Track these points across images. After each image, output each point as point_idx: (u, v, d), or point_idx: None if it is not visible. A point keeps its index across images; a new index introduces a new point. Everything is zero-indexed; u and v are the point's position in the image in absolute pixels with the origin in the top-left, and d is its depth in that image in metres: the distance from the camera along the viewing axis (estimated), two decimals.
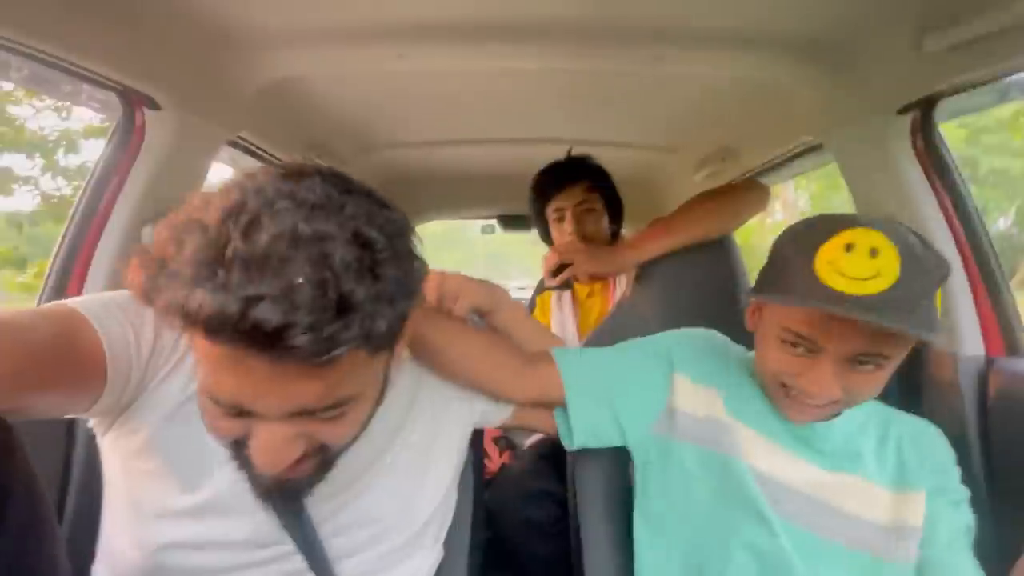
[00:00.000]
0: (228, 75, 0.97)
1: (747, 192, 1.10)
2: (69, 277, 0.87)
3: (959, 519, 0.65)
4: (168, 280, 0.36)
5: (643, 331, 0.82)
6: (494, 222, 2.41)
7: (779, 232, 0.64)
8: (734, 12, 0.83)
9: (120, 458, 0.53)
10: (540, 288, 1.48)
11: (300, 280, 0.35)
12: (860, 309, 0.50)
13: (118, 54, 0.78)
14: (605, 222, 1.28)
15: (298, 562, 0.56)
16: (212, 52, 0.91)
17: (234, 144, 1.19)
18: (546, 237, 1.36)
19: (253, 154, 1.29)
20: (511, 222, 2.35)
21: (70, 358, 0.43)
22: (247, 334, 0.35)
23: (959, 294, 0.90)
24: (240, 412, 0.42)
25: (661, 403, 0.72)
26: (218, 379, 0.40)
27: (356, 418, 0.47)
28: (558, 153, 1.55)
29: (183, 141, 0.94)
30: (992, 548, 0.75)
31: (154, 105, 0.89)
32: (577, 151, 1.32)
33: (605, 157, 1.33)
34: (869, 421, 0.70)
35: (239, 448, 0.45)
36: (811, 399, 0.59)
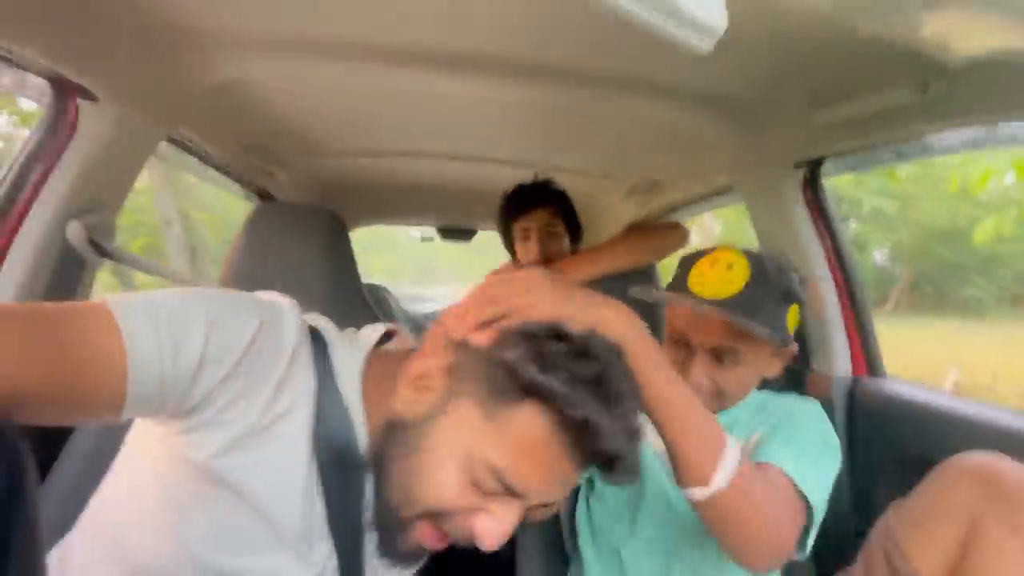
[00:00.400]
0: (173, 72, 0.94)
1: (670, 234, 1.29)
2: None
3: (784, 448, 0.71)
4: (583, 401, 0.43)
5: None
6: (433, 231, 2.45)
7: None
8: (663, 67, 0.94)
9: (168, 451, 0.46)
10: None
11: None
12: (707, 305, 0.66)
13: (53, 41, 0.74)
14: (566, 243, 1.41)
15: None
16: (157, 48, 0.88)
17: (171, 140, 1.14)
18: (510, 248, 1.50)
19: (189, 150, 1.25)
20: (451, 233, 2.39)
21: (80, 368, 0.38)
22: (602, 458, 0.46)
23: (834, 322, 1.07)
24: (488, 489, 0.46)
25: None
26: (527, 469, 0.45)
27: None
28: (499, 171, 1.63)
29: (120, 135, 0.91)
30: (852, 536, 0.90)
31: (90, 96, 0.85)
32: (515, 171, 1.43)
33: (545, 176, 1.42)
34: (749, 409, 0.79)
35: (409, 521, 0.48)
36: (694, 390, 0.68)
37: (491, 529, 0.46)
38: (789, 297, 0.71)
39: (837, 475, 0.80)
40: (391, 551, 0.51)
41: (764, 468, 0.62)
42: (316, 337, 0.53)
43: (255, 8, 0.82)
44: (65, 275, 0.90)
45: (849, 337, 1.09)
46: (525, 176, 1.57)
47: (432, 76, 1.01)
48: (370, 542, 0.54)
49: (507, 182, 1.76)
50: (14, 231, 0.83)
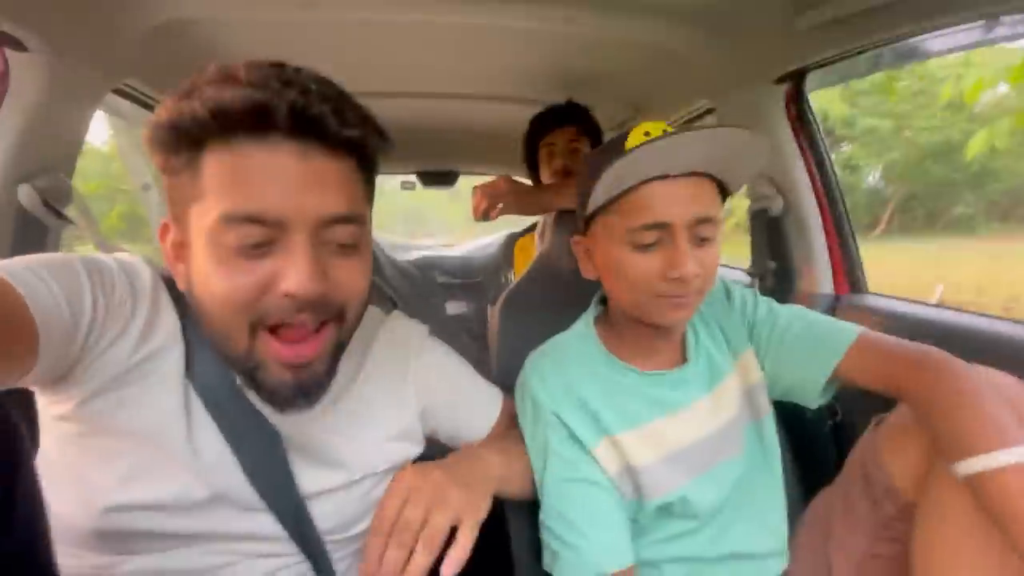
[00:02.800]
0: (110, 15, 0.87)
1: None
2: None
3: (784, 318, 0.72)
4: (203, 93, 0.42)
5: (563, 280, 0.88)
6: (413, 178, 2.38)
7: None
8: None
9: (52, 423, 0.50)
10: (515, 236, 1.82)
11: (313, 86, 0.44)
12: (694, 135, 0.55)
13: None
14: None
15: (271, 524, 0.55)
16: None
17: (122, 93, 1.07)
18: (532, 169, 1.47)
19: (142, 103, 1.17)
20: (431, 178, 2.32)
21: (2, 318, 0.40)
22: (288, 120, 0.43)
23: (817, 241, 1.06)
24: (262, 242, 0.44)
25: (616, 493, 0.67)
26: (252, 192, 0.44)
27: (363, 266, 0.51)
28: (474, 108, 1.56)
29: (58, 89, 0.85)
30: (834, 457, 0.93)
31: (19, 46, 0.79)
32: (495, 106, 1.38)
33: (525, 112, 1.36)
34: (692, 331, 0.73)
35: (251, 351, 0.48)
36: (684, 282, 0.59)
37: (293, 278, 0.44)
38: None
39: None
40: (271, 394, 0.50)
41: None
42: (172, 283, 0.54)
43: None
44: (26, 241, 0.87)
45: (832, 257, 1.08)
46: (503, 111, 1.51)
47: (399, 4, 0.94)
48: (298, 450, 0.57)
49: (484, 118, 1.69)
50: None
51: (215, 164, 0.44)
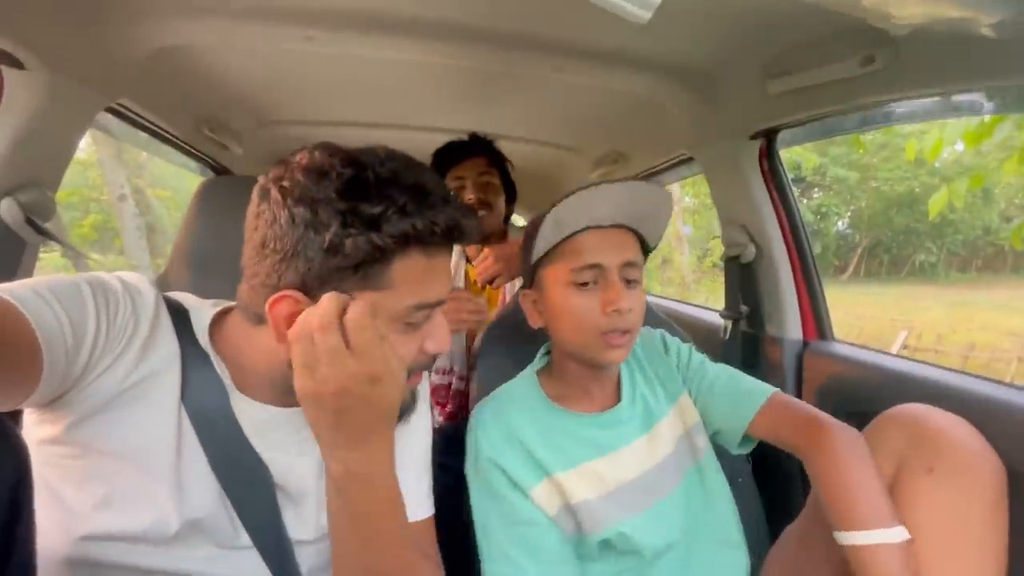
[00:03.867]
0: (109, 38, 0.89)
1: None
2: None
3: (712, 371, 0.81)
4: (391, 214, 0.47)
5: (523, 336, 0.89)
6: None
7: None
8: (622, 36, 0.94)
9: (32, 443, 0.49)
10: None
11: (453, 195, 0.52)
12: (620, 187, 0.66)
13: None
14: (502, 196, 1.35)
15: (255, 565, 0.55)
16: (91, 12, 0.82)
17: (114, 112, 1.08)
18: None
19: (136, 124, 1.18)
20: None
21: (1, 349, 0.40)
22: (460, 235, 0.52)
23: (786, 288, 1.12)
24: (421, 319, 0.54)
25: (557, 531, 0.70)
26: (434, 284, 0.53)
27: None
28: None
29: (52, 106, 0.85)
30: (802, 495, 0.95)
31: (16, 64, 0.79)
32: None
33: (509, 148, 1.40)
34: (628, 377, 0.80)
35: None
36: (620, 318, 0.68)
37: (441, 339, 0.56)
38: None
39: None
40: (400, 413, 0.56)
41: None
42: (177, 309, 0.57)
43: None
44: (5, 255, 0.86)
45: (800, 303, 1.13)
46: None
47: (387, 41, 0.98)
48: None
49: None
50: None
51: (410, 265, 0.50)
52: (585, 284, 0.69)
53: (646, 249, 0.77)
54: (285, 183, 0.48)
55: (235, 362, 0.56)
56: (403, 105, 1.40)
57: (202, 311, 0.58)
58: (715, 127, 1.13)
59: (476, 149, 1.32)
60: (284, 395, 0.56)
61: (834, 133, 1.13)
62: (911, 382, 0.87)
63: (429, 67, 1.11)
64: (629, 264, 0.70)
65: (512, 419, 0.74)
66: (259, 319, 0.52)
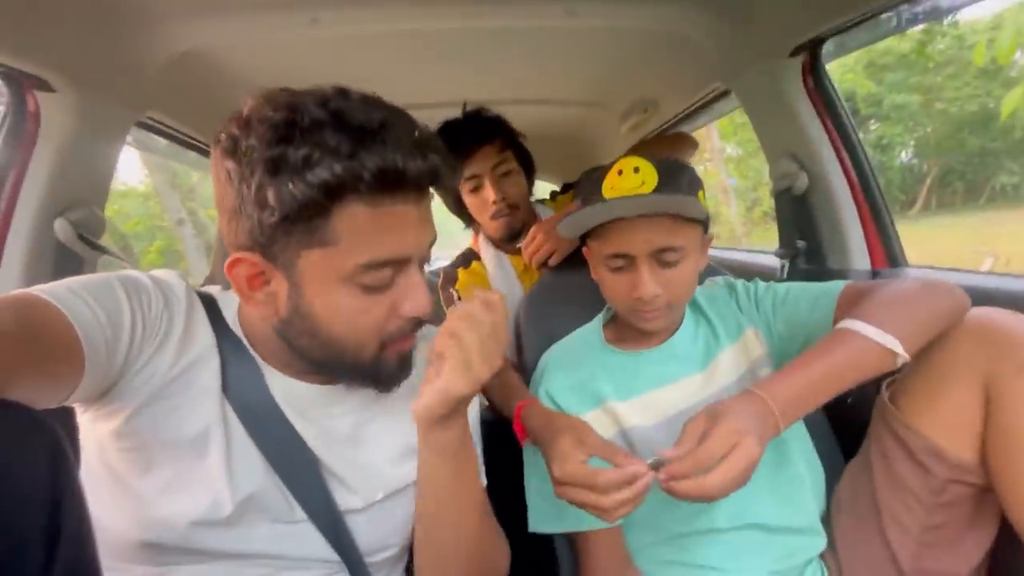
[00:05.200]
0: (128, 50, 0.91)
1: (676, 145, 1.19)
2: None
3: (783, 286, 0.77)
4: (318, 158, 0.42)
5: (568, 295, 0.88)
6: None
7: (705, 178, 0.75)
8: None
9: (97, 438, 0.52)
10: (465, 261, 1.29)
11: (433, 141, 0.47)
12: (633, 206, 0.65)
13: None
14: (524, 182, 1.17)
15: (313, 539, 0.56)
16: (107, 26, 0.85)
17: (145, 127, 1.12)
18: (459, 209, 1.20)
19: (167, 135, 1.22)
20: None
21: (42, 344, 0.41)
22: (423, 179, 0.47)
23: (847, 215, 1.02)
24: (391, 278, 0.50)
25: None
26: (386, 238, 0.48)
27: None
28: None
29: (86, 125, 0.89)
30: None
31: (47, 87, 0.83)
32: (512, 110, 1.21)
33: (533, 115, 1.35)
34: (691, 317, 0.79)
35: (376, 359, 0.53)
36: (646, 304, 0.69)
37: (417, 301, 0.52)
38: (696, 182, 0.70)
39: None
40: (383, 379, 0.56)
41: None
42: (208, 300, 0.57)
43: None
44: (65, 272, 0.90)
45: (865, 230, 1.04)
46: (520, 114, 1.45)
47: (397, 11, 0.95)
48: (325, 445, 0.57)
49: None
50: (2, 237, 0.84)
51: (350, 217, 0.46)
52: (618, 268, 0.70)
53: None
54: (221, 136, 0.46)
55: (256, 338, 0.57)
56: (419, 82, 1.38)
57: (228, 296, 0.59)
58: (750, 50, 1.03)
59: (484, 135, 1.09)
60: (299, 364, 0.57)
61: (883, 35, 1.02)
62: (997, 297, 0.78)
63: (438, 36, 1.08)
64: (663, 250, 0.68)
65: (571, 357, 0.80)
66: None
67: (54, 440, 0.36)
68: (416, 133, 0.47)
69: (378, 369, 0.55)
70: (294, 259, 0.48)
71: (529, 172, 1.20)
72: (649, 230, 0.67)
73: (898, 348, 0.56)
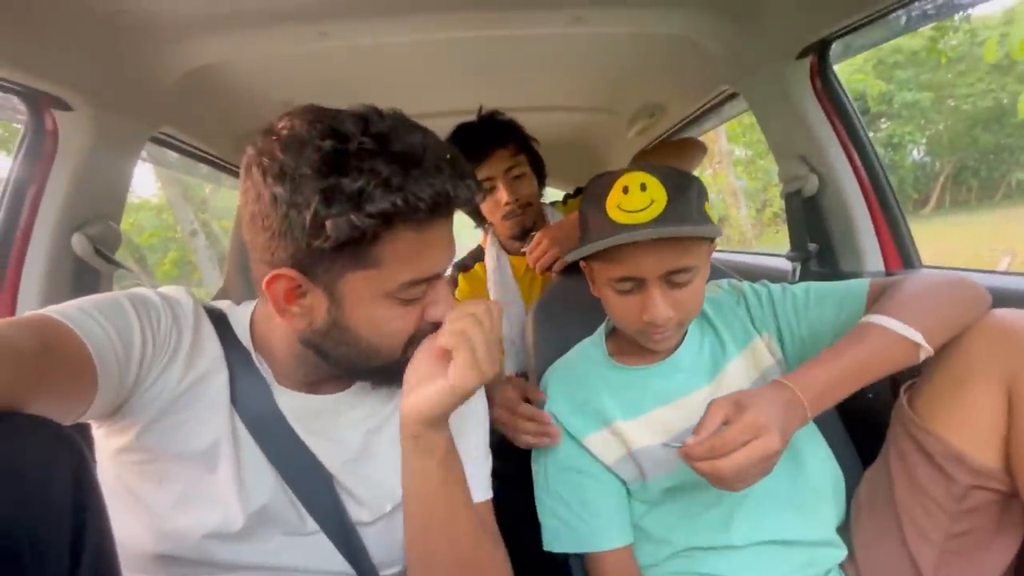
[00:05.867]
0: (141, 68, 0.93)
1: (688, 151, 1.19)
2: None
3: (801, 287, 0.75)
4: (372, 189, 0.44)
5: (580, 300, 0.86)
6: None
7: (714, 181, 0.73)
8: None
9: (110, 453, 0.52)
10: (463, 266, 1.37)
11: (464, 168, 0.50)
12: (647, 233, 0.61)
13: (16, 54, 0.74)
14: (535, 185, 1.21)
15: (326, 551, 0.56)
16: (120, 45, 0.87)
17: (158, 141, 1.14)
18: (471, 210, 1.22)
19: (180, 150, 1.25)
20: None
21: (56, 364, 0.42)
22: (462, 204, 0.50)
23: (858, 216, 1.01)
24: (420, 294, 0.53)
25: (621, 488, 0.73)
26: (428, 258, 0.51)
27: None
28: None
29: (101, 142, 0.91)
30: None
31: (64, 106, 0.85)
32: (520, 117, 1.23)
33: (540, 121, 1.35)
34: (696, 329, 0.77)
35: (400, 358, 0.55)
36: (658, 327, 0.66)
37: (443, 308, 0.54)
38: (703, 192, 0.68)
39: None
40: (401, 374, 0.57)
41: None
42: (216, 315, 0.58)
43: None
44: (81, 286, 0.93)
45: (878, 231, 1.02)
46: (530, 121, 1.46)
47: (404, 21, 0.96)
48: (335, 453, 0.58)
49: None
50: (22, 253, 0.85)
51: (397, 240, 0.48)
52: (627, 291, 0.68)
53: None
54: (265, 160, 0.46)
55: (269, 352, 0.58)
56: (427, 92, 1.39)
57: (238, 311, 0.60)
58: (757, 52, 1.03)
59: (498, 139, 1.13)
60: (314, 375, 0.58)
61: (892, 35, 1.01)
62: (1015, 298, 0.76)
63: (445, 45, 1.09)
64: (673, 272, 0.65)
65: (574, 375, 0.79)
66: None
67: (79, 453, 0.37)
68: (448, 155, 0.49)
69: (402, 367, 0.56)
70: (336, 280, 0.49)
71: (540, 174, 1.24)
72: (660, 253, 0.64)
73: (921, 341, 0.57)
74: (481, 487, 0.63)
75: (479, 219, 1.28)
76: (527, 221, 1.18)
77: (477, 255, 1.34)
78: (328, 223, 0.44)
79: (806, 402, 0.55)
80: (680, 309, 0.66)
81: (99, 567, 0.37)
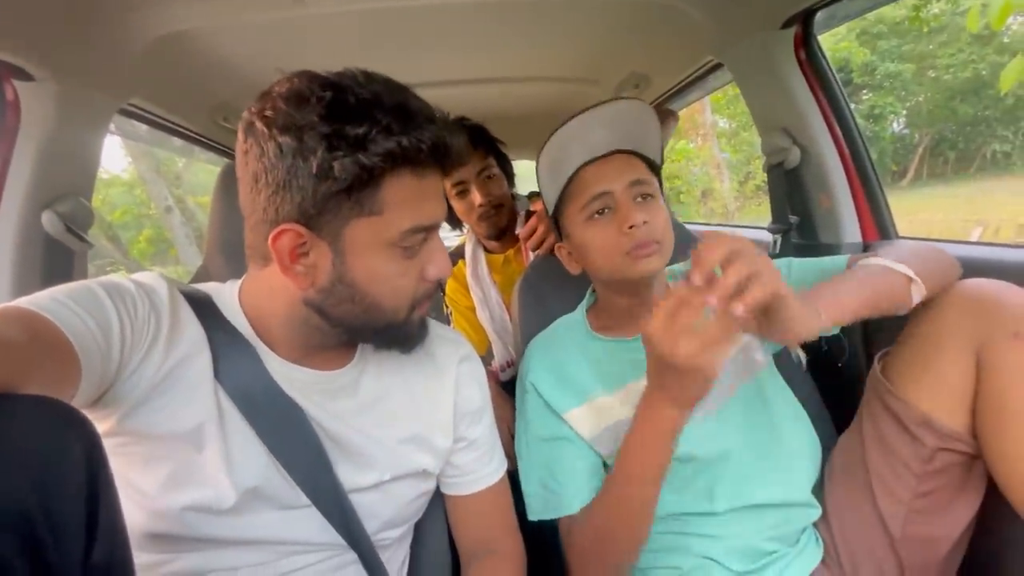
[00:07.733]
0: (107, 34, 0.88)
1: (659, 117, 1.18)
2: None
3: (783, 261, 0.77)
4: (375, 134, 0.46)
5: (563, 276, 0.87)
6: None
7: (697, 154, 0.76)
8: None
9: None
10: (454, 258, 1.40)
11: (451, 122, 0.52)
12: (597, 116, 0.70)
13: None
14: (506, 185, 1.28)
15: (317, 522, 0.57)
16: (84, 11, 0.82)
17: (128, 113, 1.10)
18: (448, 216, 1.24)
19: (151, 122, 1.20)
20: None
21: (43, 353, 0.41)
22: (456, 156, 0.53)
23: (838, 189, 1.02)
24: (418, 245, 0.54)
25: (596, 459, 0.74)
26: (427, 205, 0.53)
27: None
28: (478, 93, 1.53)
29: (67, 113, 0.87)
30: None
31: (25, 76, 0.81)
32: (507, 88, 1.30)
33: (522, 90, 1.33)
34: None
35: (407, 319, 0.58)
36: (637, 237, 0.69)
37: (441, 264, 0.57)
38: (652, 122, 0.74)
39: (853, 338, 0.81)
40: (409, 340, 0.61)
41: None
42: (196, 298, 0.58)
43: None
44: (54, 265, 0.90)
45: (857, 204, 1.04)
46: (515, 92, 1.43)
47: None
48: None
49: (500, 102, 1.65)
50: None
51: (398, 187, 0.50)
52: (600, 213, 0.72)
53: (654, 169, 0.77)
54: (268, 113, 0.48)
55: (266, 327, 0.58)
56: (406, 63, 1.34)
57: (224, 289, 0.60)
58: (742, 22, 1.02)
59: (469, 144, 1.19)
60: (309, 343, 0.58)
61: (876, 3, 1.00)
62: (986, 267, 0.79)
63: (424, 13, 1.05)
64: (636, 182, 0.71)
65: (556, 349, 0.80)
66: (266, 259, 0.53)
67: (90, 434, 0.38)
68: (437, 113, 0.52)
69: (406, 330, 0.59)
70: (341, 229, 0.51)
71: (508, 175, 1.32)
72: (620, 165, 0.71)
73: (913, 276, 0.60)
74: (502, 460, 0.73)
75: (454, 221, 1.34)
76: (501, 221, 1.25)
77: (459, 253, 1.39)
78: (336, 164, 0.46)
79: (822, 310, 0.56)
80: (654, 220, 0.70)
81: (112, 543, 0.38)
